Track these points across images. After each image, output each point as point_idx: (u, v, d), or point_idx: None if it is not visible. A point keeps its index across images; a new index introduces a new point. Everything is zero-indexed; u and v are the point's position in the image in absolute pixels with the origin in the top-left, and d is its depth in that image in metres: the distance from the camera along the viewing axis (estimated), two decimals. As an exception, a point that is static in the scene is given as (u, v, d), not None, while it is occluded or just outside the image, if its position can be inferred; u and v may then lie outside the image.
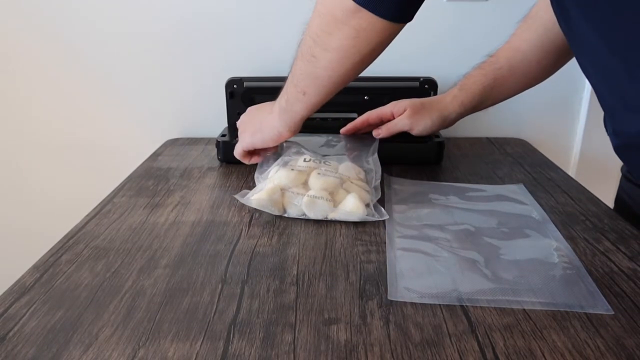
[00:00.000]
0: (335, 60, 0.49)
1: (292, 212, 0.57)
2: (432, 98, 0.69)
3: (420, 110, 0.67)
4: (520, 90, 0.67)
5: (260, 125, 0.61)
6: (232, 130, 0.77)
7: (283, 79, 0.78)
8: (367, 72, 0.74)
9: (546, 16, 0.61)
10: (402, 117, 0.68)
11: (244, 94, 0.77)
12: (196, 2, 0.85)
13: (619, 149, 0.53)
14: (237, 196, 0.59)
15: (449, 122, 0.68)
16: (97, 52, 0.88)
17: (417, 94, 0.75)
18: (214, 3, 0.85)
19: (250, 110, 0.66)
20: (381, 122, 0.70)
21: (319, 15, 0.48)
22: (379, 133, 0.69)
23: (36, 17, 0.86)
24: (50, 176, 0.96)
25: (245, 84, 0.77)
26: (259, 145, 0.62)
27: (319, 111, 0.82)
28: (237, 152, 0.66)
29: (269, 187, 0.57)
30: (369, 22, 0.46)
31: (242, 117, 0.67)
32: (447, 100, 0.67)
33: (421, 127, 0.67)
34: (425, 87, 0.76)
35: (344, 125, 0.76)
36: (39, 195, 0.97)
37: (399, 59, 0.88)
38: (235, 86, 0.78)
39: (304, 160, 0.61)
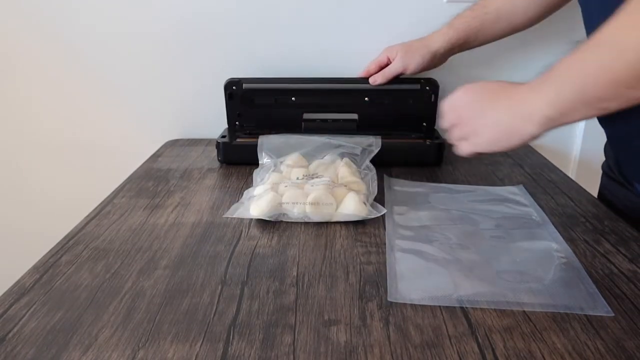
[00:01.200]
0: None
1: (293, 217, 0.57)
2: (423, 38, 0.72)
3: (411, 49, 0.71)
4: (503, 35, 0.71)
5: (510, 133, 0.49)
6: (232, 132, 0.77)
7: (282, 80, 0.77)
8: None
9: None
10: (395, 60, 0.72)
11: (243, 96, 0.77)
12: (196, 2, 0.85)
13: (612, 140, 0.54)
14: (227, 214, 0.58)
15: (439, 58, 0.72)
16: (97, 52, 0.88)
17: (418, 96, 0.75)
18: (214, 3, 0.85)
19: (481, 106, 0.51)
20: (380, 69, 0.74)
21: None
22: (375, 80, 0.72)
23: (36, 17, 0.86)
24: (50, 176, 0.96)
25: (245, 85, 0.77)
26: (498, 150, 0.51)
27: (319, 112, 0.82)
28: (467, 153, 0.53)
29: (268, 198, 0.57)
30: None
31: (467, 110, 0.52)
32: (435, 37, 0.71)
33: (413, 65, 0.71)
34: (426, 89, 0.76)
35: (344, 126, 0.76)
36: (39, 196, 0.97)
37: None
38: (234, 87, 0.77)
39: (297, 179, 0.61)
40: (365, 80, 0.76)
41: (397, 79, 0.75)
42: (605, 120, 0.57)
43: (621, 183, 0.62)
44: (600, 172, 0.69)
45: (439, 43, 0.70)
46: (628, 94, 0.42)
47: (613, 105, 0.44)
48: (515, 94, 0.49)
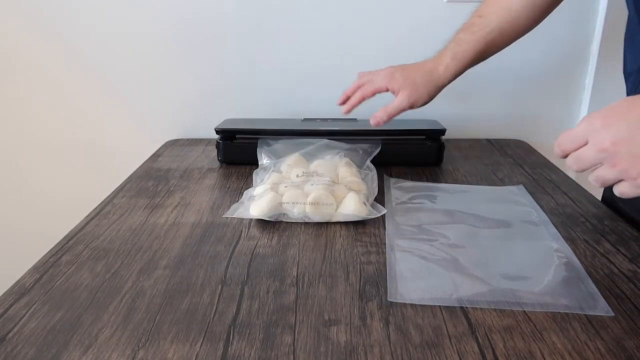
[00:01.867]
0: None
1: (293, 217, 0.57)
2: (424, 68, 0.67)
3: (418, 87, 0.66)
4: (508, 45, 0.68)
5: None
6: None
7: (276, 131, 0.72)
8: (368, 70, 0.73)
9: None
10: (400, 98, 0.66)
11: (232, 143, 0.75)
12: (196, 2, 0.85)
13: None
14: (227, 214, 0.58)
15: (442, 88, 0.68)
16: (97, 52, 0.88)
17: (422, 144, 0.74)
18: (214, 4, 0.85)
19: (629, 133, 0.39)
20: (374, 94, 0.68)
21: None
22: (379, 122, 0.66)
23: (36, 17, 0.86)
24: (50, 176, 0.96)
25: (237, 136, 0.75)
26: None
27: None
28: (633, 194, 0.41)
29: (268, 198, 0.57)
30: None
31: (613, 144, 0.40)
32: (440, 71, 0.66)
33: (421, 102, 0.67)
34: (431, 142, 0.75)
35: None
36: (39, 196, 0.97)
37: (398, 59, 0.88)
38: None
39: (297, 176, 0.61)
40: (365, 130, 0.72)
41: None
42: None
43: None
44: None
45: (445, 77, 0.66)
46: None
47: None
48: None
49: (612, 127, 0.40)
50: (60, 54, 0.88)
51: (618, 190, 0.41)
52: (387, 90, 0.68)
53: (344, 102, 0.69)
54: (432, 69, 0.66)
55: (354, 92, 0.69)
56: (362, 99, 0.68)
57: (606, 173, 0.41)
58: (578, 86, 0.90)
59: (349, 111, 0.69)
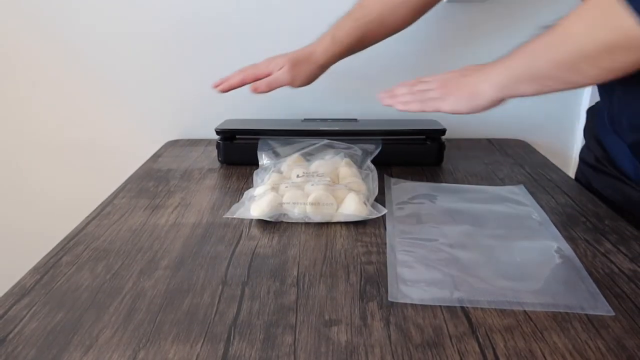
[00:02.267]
0: (606, 76, 0.48)
1: (294, 217, 0.56)
2: (304, 50, 0.70)
3: (298, 64, 0.69)
4: (383, 39, 0.72)
5: (470, 93, 0.58)
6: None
7: (274, 131, 0.73)
8: (368, 70, 0.73)
9: None
10: (282, 71, 0.68)
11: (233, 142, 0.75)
12: (196, 2, 0.85)
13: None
14: (228, 214, 0.58)
15: (325, 69, 0.71)
16: (97, 52, 0.88)
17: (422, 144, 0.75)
18: (214, 3, 0.85)
19: (451, 76, 0.62)
20: (257, 79, 0.70)
21: (597, 41, 0.46)
22: (258, 87, 0.68)
23: (36, 17, 0.86)
24: (50, 177, 0.96)
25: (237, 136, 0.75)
26: (462, 111, 0.59)
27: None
28: (432, 109, 0.61)
29: (268, 199, 0.57)
30: None
31: (441, 78, 0.62)
32: (319, 52, 0.69)
33: (299, 81, 0.69)
34: (431, 143, 0.75)
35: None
36: (39, 196, 0.97)
37: (398, 58, 0.88)
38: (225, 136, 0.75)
39: (297, 176, 0.61)
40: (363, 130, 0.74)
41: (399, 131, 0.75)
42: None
43: (606, 174, 0.64)
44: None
45: (325, 58, 0.69)
46: (566, 77, 0.50)
47: (553, 85, 0.52)
48: (484, 66, 0.58)
49: (455, 71, 0.61)
50: (60, 54, 0.88)
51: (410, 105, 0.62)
52: (269, 74, 0.70)
53: (221, 84, 0.70)
54: (311, 50, 0.69)
55: (238, 82, 0.70)
56: (242, 81, 0.69)
57: (429, 92, 0.61)
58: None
59: (224, 90, 0.70)
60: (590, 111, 0.71)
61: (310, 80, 0.70)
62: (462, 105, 0.59)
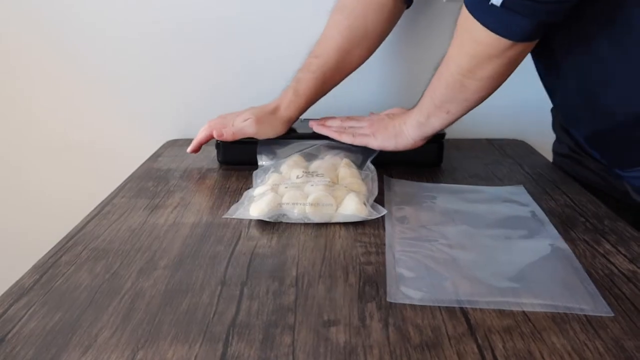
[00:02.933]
0: (486, 86, 0.56)
1: (293, 218, 0.56)
2: (270, 106, 0.72)
3: (263, 119, 0.71)
4: (345, 77, 0.75)
5: (395, 133, 0.67)
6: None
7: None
8: (368, 72, 0.73)
9: (360, 7, 0.71)
10: (247, 123, 0.70)
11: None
12: (196, 3, 0.85)
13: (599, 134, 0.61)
14: (227, 215, 0.58)
15: (290, 123, 0.73)
16: (97, 53, 0.88)
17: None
18: (213, 4, 0.85)
19: (379, 117, 0.71)
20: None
21: (467, 56, 0.55)
22: (222, 134, 0.70)
23: (36, 18, 0.86)
24: (49, 177, 0.96)
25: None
26: (389, 148, 0.68)
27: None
28: (361, 143, 0.69)
29: (268, 199, 0.57)
30: (522, 49, 0.52)
31: (370, 119, 0.71)
32: (282, 108, 0.72)
33: (264, 134, 0.71)
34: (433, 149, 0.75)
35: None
36: (39, 196, 0.97)
37: (399, 58, 0.89)
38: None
39: (297, 177, 0.61)
40: None
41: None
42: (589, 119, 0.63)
43: (579, 162, 0.71)
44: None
45: (288, 113, 0.71)
46: (457, 96, 0.58)
47: (454, 108, 0.60)
48: (407, 111, 0.67)
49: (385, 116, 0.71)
50: (60, 54, 0.88)
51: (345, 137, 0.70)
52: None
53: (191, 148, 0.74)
54: (276, 106, 0.72)
55: (205, 137, 0.73)
56: (209, 136, 0.72)
57: (362, 129, 0.70)
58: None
59: (194, 150, 0.74)
60: (554, 109, 0.76)
61: (275, 133, 0.72)
62: (389, 143, 0.67)
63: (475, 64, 0.54)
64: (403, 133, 0.66)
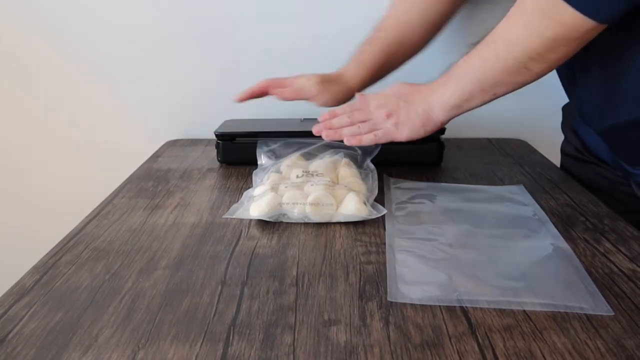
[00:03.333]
0: (551, 68, 0.53)
1: (293, 217, 0.56)
2: (334, 73, 0.70)
3: (327, 81, 0.69)
4: (405, 60, 0.73)
5: (422, 121, 0.61)
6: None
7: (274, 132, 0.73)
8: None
9: None
10: (310, 82, 0.67)
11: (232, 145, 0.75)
12: (197, 3, 0.85)
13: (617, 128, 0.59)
14: (227, 215, 0.58)
15: (352, 93, 0.70)
16: (96, 52, 0.88)
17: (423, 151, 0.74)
18: (213, 3, 0.85)
19: (389, 102, 0.63)
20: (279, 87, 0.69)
21: (541, 38, 0.51)
22: (282, 93, 0.67)
23: (36, 18, 0.86)
24: (50, 177, 0.96)
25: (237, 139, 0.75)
26: (416, 138, 0.62)
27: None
28: (389, 140, 0.63)
29: (268, 199, 0.57)
30: (600, 31, 0.49)
31: (380, 105, 0.63)
32: (348, 75, 0.70)
33: (325, 97, 0.68)
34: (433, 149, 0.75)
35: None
36: (39, 196, 0.97)
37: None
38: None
39: (297, 177, 0.61)
40: None
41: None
42: (599, 114, 0.62)
43: (586, 162, 0.70)
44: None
45: (353, 81, 0.69)
46: (515, 79, 0.55)
47: (502, 91, 0.57)
48: (427, 89, 0.61)
49: (396, 92, 0.64)
50: (60, 54, 0.88)
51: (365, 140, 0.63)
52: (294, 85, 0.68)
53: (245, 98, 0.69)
54: (340, 73, 0.70)
55: (259, 90, 0.69)
56: (265, 88, 0.69)
57: (380, 122, 0.63)
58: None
59: (242, 98, 0.69)
60: (565, 108, 0.76)
61: (336, 100, 0.69)
62: (417, 133, 0.62)
63: (550, 46, 0.51)
64: (431, 119, 0.60)
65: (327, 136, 0.64)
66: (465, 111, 0.60)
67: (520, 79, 0.55)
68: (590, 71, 0.59)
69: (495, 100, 0.68)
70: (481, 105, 0.59)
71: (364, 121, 0.63)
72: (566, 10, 0.48)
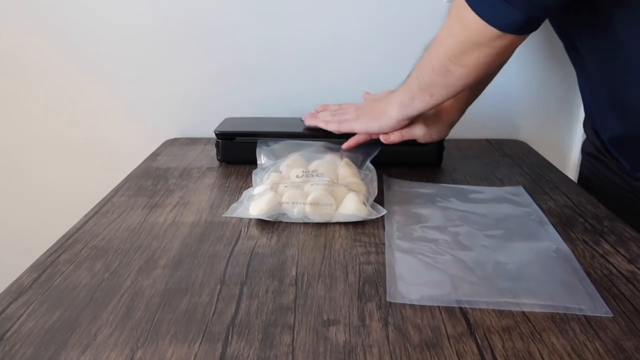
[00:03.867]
0: (471, 73, 0.55)
1: (293, 217, 0.56)
2: (434, 111, 0.69)
3: (432, 121, 0.69)
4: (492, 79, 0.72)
5: (378, 114, 0.66)
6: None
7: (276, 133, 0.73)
8: (367, 72, 0.73)
9: None
10: (417, 125, 0.68)
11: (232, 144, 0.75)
12: (196, 2, 0.85)
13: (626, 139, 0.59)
14: (226, 214, 0.58)
15: (452, 126, 0.72)
16: (95, 52, 0.88)
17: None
18: (213, 3, 0.85)
19: (366, 101, 0.72)
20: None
21: (456, 41, 0.54)
22: (388, 138, 0.67)
23: (35, 17, 0.86)
24: (49, 175, 0.96)
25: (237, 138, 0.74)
26: (373, 130, 0.67)
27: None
28: (347, 129, 0.69)
29: (267, 198, 0.57)
30: (512, 41, 0.51)
31: (357, 104, 0.71)
32: (449, 110, 0.70)
33: (434, 137, 0.70)
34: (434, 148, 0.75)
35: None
36: (38, 195, 0.97)
37: (397, 58, 0.88)
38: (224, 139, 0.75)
39: (297, 177, 0.61)
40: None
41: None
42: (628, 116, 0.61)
43: (605, 163, 0.68)
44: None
45: (455, 116, 0.70)
46: (442, 80, 0.57)
47: (437, 92, 0.59)
48: (393, 91, 0.65)
49: (369, 99, 0.72)
50: (59, 53, 0.88)
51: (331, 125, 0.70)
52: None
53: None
54: (442, 109, 0.70)
55: (364, 137, 0.69)
56: (369, 136, 0.69)
57: (345, 114, 0.70)
58: (576, 86, 0.90)
59: (350, 146, 0.69)
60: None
61: (439, 137, 0.71)
62: (371, 125, 0.66)
63: (462, 50, 0.53)
64: (386, 114, 0.65)
65: (306, 121, 0.74)
66: (417, 112, 0.63)
67: (446, 80, 0.57)
68: (593, 79, 0.60)
69: (495, 101, 0.68)
70: (428, 107, 0.62)
71: (338, 114, 0.71)
72: (470, 14, 0.50)
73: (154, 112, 0.92)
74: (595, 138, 0.70)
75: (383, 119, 0.65)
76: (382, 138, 0.68)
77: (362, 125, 0.67)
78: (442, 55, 0.55)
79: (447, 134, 0.72)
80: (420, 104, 0.61)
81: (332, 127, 0.69)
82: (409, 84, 0.62)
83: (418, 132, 0.68)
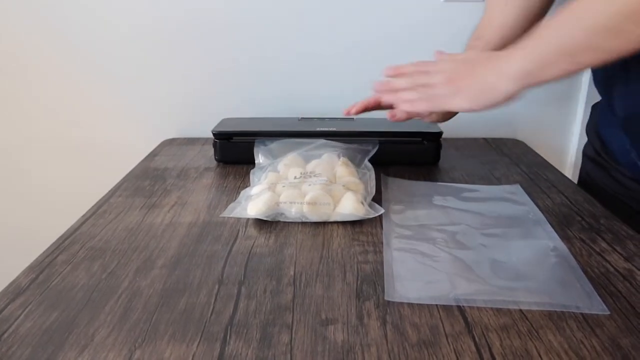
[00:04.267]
0: None
1: (291, 217, 0.56)
2: None
3: None
4: None
5: (483, 88, 0.51)
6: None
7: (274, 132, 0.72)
8: (366, 73, 0.73)
9: None
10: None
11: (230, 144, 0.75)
12: (196, 2, 0.85)
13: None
14: (224, 214, 0.58)
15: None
16: (94, 52, 0.88)
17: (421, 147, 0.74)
18: (213, 3, 0.85)
19: (454, 66, 0.55)
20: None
21: None
22: (395, 114, 0.60)
23: (35, 17, 0.86)
24: (47, 176, 0.96)
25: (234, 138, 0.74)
26: (478, 110, 0.52)
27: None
28: (444, 107, 0.55)
29: (265, 198, 0.57)
30: None
31: (443, 71, 0.55)
32: None
33: (440, 118, 0.66)
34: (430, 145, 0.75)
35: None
36: (36, 195, 0.97)
37: (396, 58, 0.88)
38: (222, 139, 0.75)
39: (294, 177, 0.61)
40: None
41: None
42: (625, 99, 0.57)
43: (604, 167, 0.66)
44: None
45: None
46: (607, 44, 0.44)
47: (589, 58, 0.46)
48: (498, 55, 0.51)
49: (460, 57, 0.56)
50: (58, 53, 0.88)
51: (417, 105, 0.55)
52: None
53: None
54: None
55: (374, 102, 0.63)
56: (378, 101, 0.63)
57: (435, 88, 0.54)
58: (574, 85, 0.91)
59: (358, 110, 0.63)
60: (594, 107, 0.72)
61: (445, 118, 0.66)
62: (477, 103, 0.52)
63: None
64: (496, 87, 0.50)
65: (385, 100, 0.59)
66: (539, 84, 0.49)
67: (613, 44, 0.44)
68: (631, 66, 0.52)
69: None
70: (561, 77, 0.48)
71: (424, 86, 0.55)
72: None
73: (153, 112, 0.92)
74: (595, 139, 0.69)
75: (490, 96, 0.51)
76: (388, 114, 0.60)
77: (460, 104, 0.52)
78: (616, 13, 0.43)
79: (450, 117, 0.66)
80: (553, 72, 0.47)
81: (421, 107, 0.55)
82: (540, 46, 0.48)
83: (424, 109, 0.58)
